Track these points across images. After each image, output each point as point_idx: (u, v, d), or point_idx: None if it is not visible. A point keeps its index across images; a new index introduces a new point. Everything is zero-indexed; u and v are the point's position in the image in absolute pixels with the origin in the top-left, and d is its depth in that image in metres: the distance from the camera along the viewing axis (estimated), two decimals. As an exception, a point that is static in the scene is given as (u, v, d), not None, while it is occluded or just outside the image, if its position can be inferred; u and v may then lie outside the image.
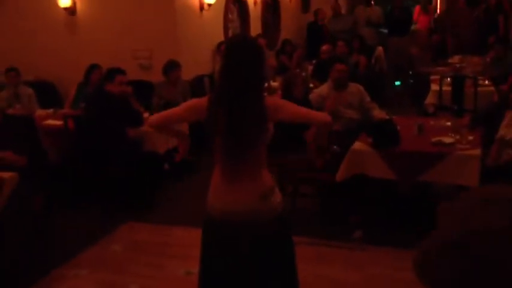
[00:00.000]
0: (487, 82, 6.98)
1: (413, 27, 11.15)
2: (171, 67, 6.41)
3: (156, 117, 2.94)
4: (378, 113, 5.36)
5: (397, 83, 10.44)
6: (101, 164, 5.14)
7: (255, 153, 2.63)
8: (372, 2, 11.21)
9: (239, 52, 2.63)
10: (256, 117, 2.56)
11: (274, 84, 7.18)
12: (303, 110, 2.84)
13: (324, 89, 5.59)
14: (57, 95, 7.49)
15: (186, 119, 3.24)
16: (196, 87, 7.16)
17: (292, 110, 2.73)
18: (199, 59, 7.68)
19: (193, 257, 4.00)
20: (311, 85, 6.86)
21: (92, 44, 7.41)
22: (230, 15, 8.72)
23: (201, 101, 2.70)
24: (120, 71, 5.31)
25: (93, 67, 6.45)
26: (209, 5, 7.91)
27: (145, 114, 5.55)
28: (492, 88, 6.76)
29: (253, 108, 2.56)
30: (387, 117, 5.10)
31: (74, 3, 7.50)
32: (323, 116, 2.81)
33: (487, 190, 0.84)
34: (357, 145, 4.54)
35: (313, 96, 5.50)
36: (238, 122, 2.55)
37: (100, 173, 5.16)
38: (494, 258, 0.75)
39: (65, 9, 7.49)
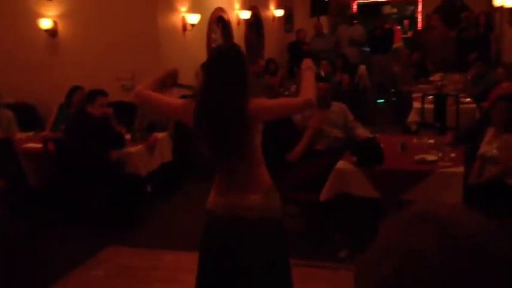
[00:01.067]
0: (468, 100, 7.02)
1: (395, 45, 11.28)
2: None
3: (142, 95, 2.81)
4: (362, 132, 5.35)
5: (380, 100, 10.50)
6: (83, 186, 5.07)
7: (245, 156, 2.64)
8: (355, 22, 11.31)
9: (224, 59, 2.62)
10: (240, 125, 2.57)
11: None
12: (282, 103, 2.90)
13: (307, 108, 5.57)
14: (38, 118, 7.41)
15: (168, 113, 3.25)
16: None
17: (269, 105, 2.72)
18: (182, 80, 7.61)
19: (180, 281, 3.96)
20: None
21: (74, 66, 7.36)
22: (213, 35, 8.74)
23: (189, 105, 2.69)
24: (101, 93, 5.27)
25: (75, 89, 6.40)
26: (192, 25, 7.91)
27: (127, 136, 5.51)
28: (474, 105, 6.81)
29: (238, 116, 2.56)
30: (371, 135, 5.10)
31: (55, 24, 7.46)
32: (304, 100, 2.72)
33: (423, 207, 0.82)
34: (341, 164, 4.52)
35: (296, 116, 5.48)
36: (223, 131, 2.57)
37: (82, 196, 5.09)
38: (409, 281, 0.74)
39: (46, 31, 7.44)
